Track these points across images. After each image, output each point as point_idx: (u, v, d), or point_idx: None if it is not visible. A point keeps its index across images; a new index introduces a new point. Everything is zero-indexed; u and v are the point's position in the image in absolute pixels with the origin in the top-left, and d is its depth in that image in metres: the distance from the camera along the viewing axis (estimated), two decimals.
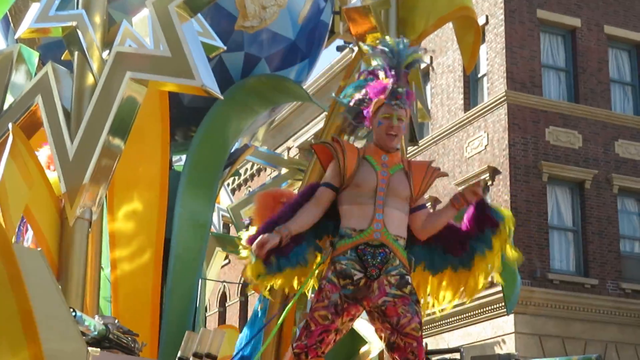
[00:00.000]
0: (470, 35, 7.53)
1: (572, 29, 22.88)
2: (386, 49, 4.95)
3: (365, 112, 4.88)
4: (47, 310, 3.57)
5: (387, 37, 5.29)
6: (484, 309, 20.87)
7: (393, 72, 4.89)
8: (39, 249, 4.65)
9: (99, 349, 4.17)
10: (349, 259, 4.68)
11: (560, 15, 22.71)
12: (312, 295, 4.84)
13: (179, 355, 5.01)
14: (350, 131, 5.09)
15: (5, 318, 3.32)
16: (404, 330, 4.58)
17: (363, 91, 4.94)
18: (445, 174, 5.20)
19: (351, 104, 4.98)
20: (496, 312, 20.40)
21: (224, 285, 31.75)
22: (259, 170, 30.98)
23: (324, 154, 4.96)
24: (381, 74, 4.93)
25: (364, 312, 4.80)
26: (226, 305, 31.91)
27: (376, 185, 4.77)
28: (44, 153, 6.03)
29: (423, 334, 4.68)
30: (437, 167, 5.00)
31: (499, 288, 18.12)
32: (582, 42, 22.88)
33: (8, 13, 7.18)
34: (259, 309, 7.13)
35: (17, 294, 3.36)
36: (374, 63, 5.02)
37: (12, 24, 7.75)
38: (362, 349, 6.24)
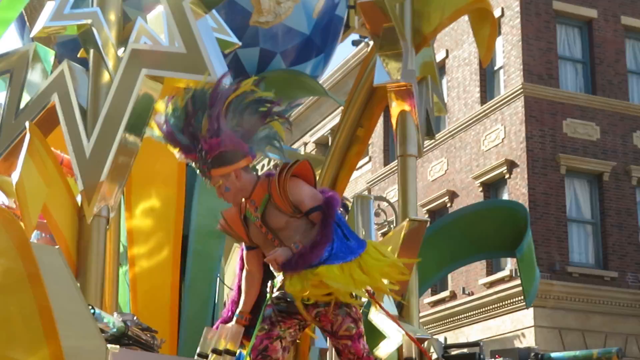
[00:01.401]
0: (486, 28, 7.49)
1: (588, 20, 22.77)
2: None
3: None
4: (66, 307, 3.58)
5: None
6: (503, 303, 20.83)
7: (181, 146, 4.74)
8: (57, 246, 4.66)
9: (118, 346, 4.17)
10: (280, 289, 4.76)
11: (577, 7, 22.61)
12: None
13: (197, 351, 5.01)
14: None
15: (24, 316, 3.33)
16: (338, 334, 4.72)
17: None
18: (296, 162, 4.85)
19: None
20: (515, 306, 20.36)
21: None
22: (276, 166, 30.94)
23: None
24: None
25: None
26: None
27: (262, 233, 4.80)
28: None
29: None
30: (286, 167, 4.75)
31: (518, 282, 18.08)
32: (598, 33, 22.77)
33: (23, 12, 7.21)
34: None
35: (36, 291, 3.37)
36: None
37: (27, 23, 7.77)
38: (381, 344, 6.23)
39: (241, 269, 5.08)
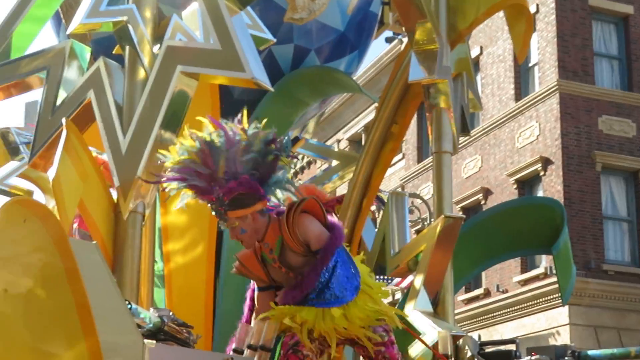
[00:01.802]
0: (522, 24, 7.44)
1: (624, 16, 22.56)
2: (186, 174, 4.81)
3: None
4: (104, 303, 3.59)
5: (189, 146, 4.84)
6: (538, 301, 20.70)
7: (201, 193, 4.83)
8: (94, 242, 4.69)
9: (154, 341, 4.18)
10: None
11: (612, 3, 22.42)
12: None
13: (233, 347, 5.02)
14: None
15: (62, 311, 3.35)
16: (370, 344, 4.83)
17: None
18: (303, 200, 4.95)
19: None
20: (550, 304, 20.23)
21: None
22: (309, 163, 31.00)
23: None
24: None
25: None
26: None
27: (282, 272, 4.94)
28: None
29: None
30: (293, 208, 4.85)
31: (553, 279, 17.97)
32: (635, 29, 22.56)
33: (59, 9, 7.25)
34: None
35: (73, 287, 3.38)
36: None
37: (63, 20, 7.81)
38: (416, 341, 6.21)
39: (250, 309, 5.18)
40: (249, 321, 5.14)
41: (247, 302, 5.24)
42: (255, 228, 4.84)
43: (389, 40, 24.41)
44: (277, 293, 4.95)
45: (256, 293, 5.11)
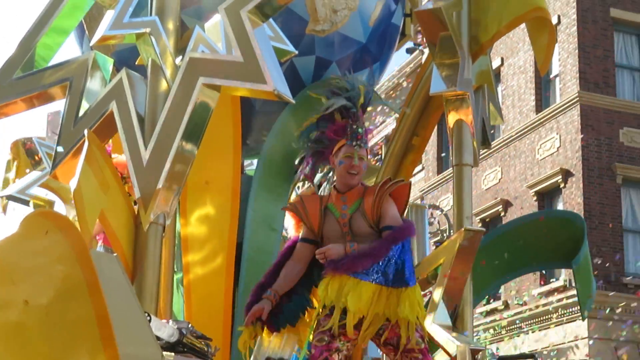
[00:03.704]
0: (545, 37, 7.40)
1: None
2: (340, 90, 5.28)
3: (321, 153, 5.28)
4: (123, 315, 3.60)
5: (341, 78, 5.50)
6: (557, 314, 20.60)
7: (352, 112, 5.21)
8: (115, 254, 4.70)
9: (173, 354, 4.19)
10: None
11: (634, 14, 22.35)
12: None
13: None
14: (311, 172, 5.42)
15: (82, 323, 3.35)
16: (407, 347, 4.97)
17: (318, 132, 5.30)
18: (401, 181, 5.28)
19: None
20: (569, 317, 20.12)
21: None
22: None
23: (294, 215, 5.34)
24: (337, 115, 5.25)
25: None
26: None
27: (341, 231, 5.07)
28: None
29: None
30: (389, 182, 5.12)
31: (573, 292, 17.87)
32: None
33: (83, 21, 7.28)
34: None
35: (94, 299, 3.39)
36: (329, 102, 5.31)
37: (87, 32, 7.85)
38: (436, 353, 6.19)
39: (276, 264, 5.34)
40: (274, 267, 5.22)
41: (286, 247, 5.40)
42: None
43: (409, 51, 24.41)
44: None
45: (299, 244, 5.23)
